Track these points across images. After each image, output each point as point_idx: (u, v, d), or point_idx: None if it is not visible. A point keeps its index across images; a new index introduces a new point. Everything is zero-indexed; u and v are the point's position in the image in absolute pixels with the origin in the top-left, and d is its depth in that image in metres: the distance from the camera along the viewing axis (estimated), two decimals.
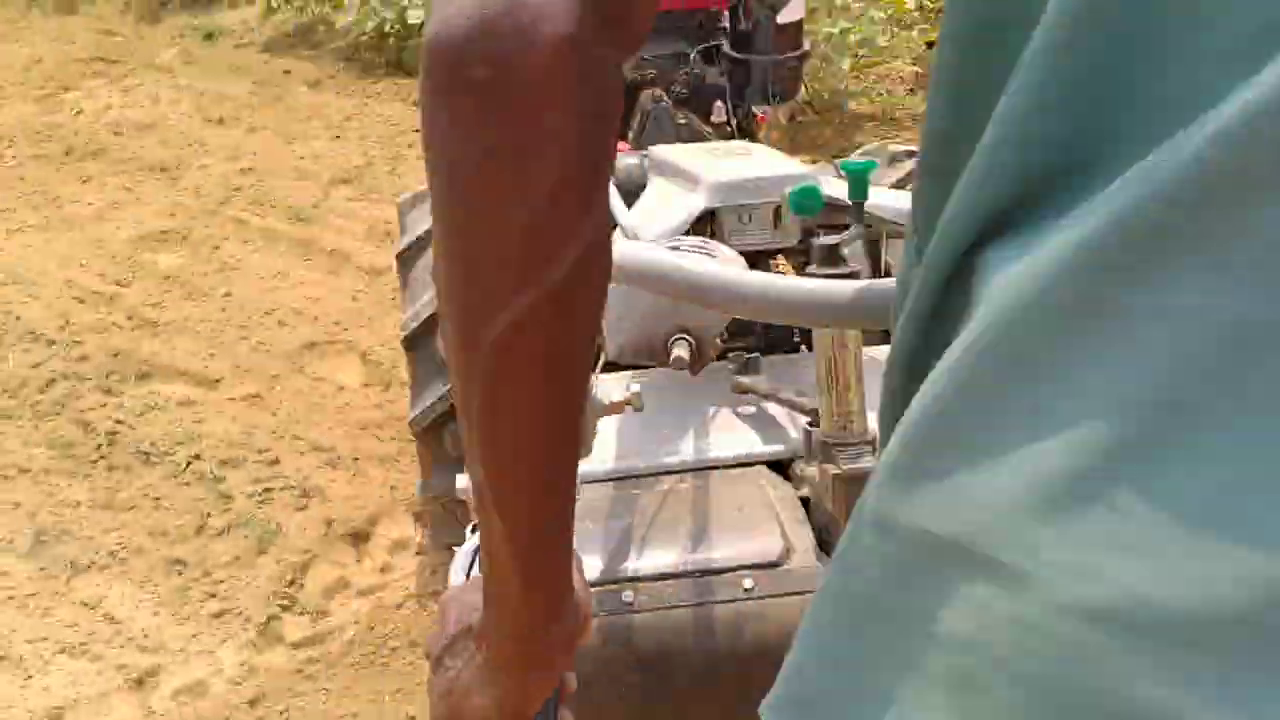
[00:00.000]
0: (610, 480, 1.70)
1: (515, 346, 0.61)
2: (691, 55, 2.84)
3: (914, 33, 6.19)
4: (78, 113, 6.18)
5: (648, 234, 1.87)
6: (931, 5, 6.24)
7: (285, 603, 2.75)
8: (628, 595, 1.47)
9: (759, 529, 1.55)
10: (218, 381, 3.66)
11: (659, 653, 1.46)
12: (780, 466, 1.73)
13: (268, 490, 3.11)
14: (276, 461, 3.24)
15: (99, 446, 3.30)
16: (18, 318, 3.95)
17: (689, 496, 1.64)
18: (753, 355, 1.89)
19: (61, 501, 3.11)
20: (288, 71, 6.78)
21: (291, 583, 2.81)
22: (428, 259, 2.59)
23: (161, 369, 3.73)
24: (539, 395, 0.64)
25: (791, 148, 5.27)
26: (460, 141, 0.56)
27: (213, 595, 2.82)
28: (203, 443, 3.30)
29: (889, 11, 6.00)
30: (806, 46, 2.81)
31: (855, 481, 1.43)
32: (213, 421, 3.42)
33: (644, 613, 1.46)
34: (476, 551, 1.04)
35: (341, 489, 3.13)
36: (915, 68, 6.29)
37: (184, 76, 6.75)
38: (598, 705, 1.46)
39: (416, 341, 2.54)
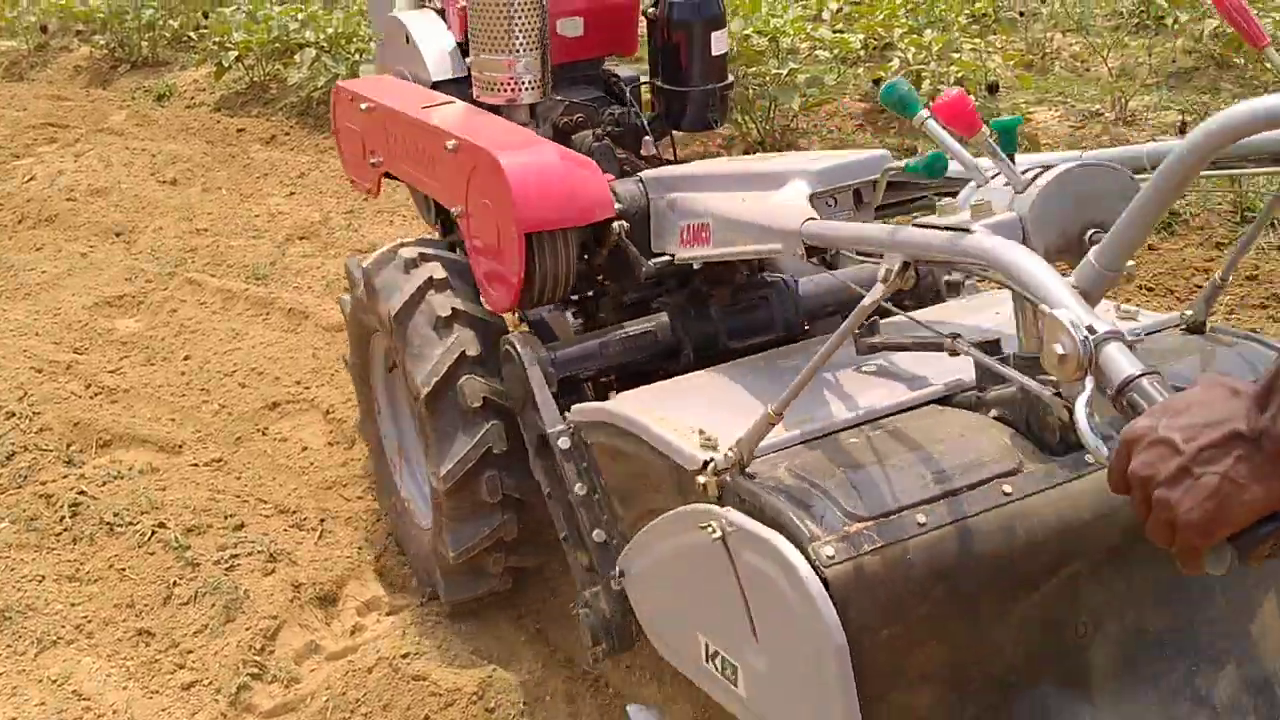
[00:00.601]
0: (825, 435, 1.89)
1: None
2: (629, 92, 3.03)
3: (860, 70, 6.28)
4: (30, 179, 6.16)
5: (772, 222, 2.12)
6: (876, 44, 6.34)
7: (255, 671, 2.73)
8: (920, 517, 1.65)
9: (988, 445, 1.77)
10: (180, 447, 3.65)
11: (958, 560, 1.66)
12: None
13: (234, 556, 3.08)
14: (242, 526, 3.23)
15: (62, 519, 3.28)
16: None
17: (907, 434, 1.84)
18: (871, 319, 2.09)
19: (26, 576, 3.08)
20: (241, 130, 6.80)
21: (261, 650, 2.78)
22: (429, 312, 2.62)
23: (122, 437, 3.70)
24: None
25: None
26: None
27: (182, 666, 2.79)
28: (167, 510, 3.28)
29: (835, 51, 6.09)
30: (731, 79, 3.03)
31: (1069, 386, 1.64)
32: (176, 488, 3.40)
33: (937, 529, 1.65)
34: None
35: (309, 551, 3.12)
36: (864, 104, 6.38)
37: (136, 139, 6.75)
38: (908, 623, 1.65)
39: (438, 398, 2.55)
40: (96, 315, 4.58)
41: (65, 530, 3.24)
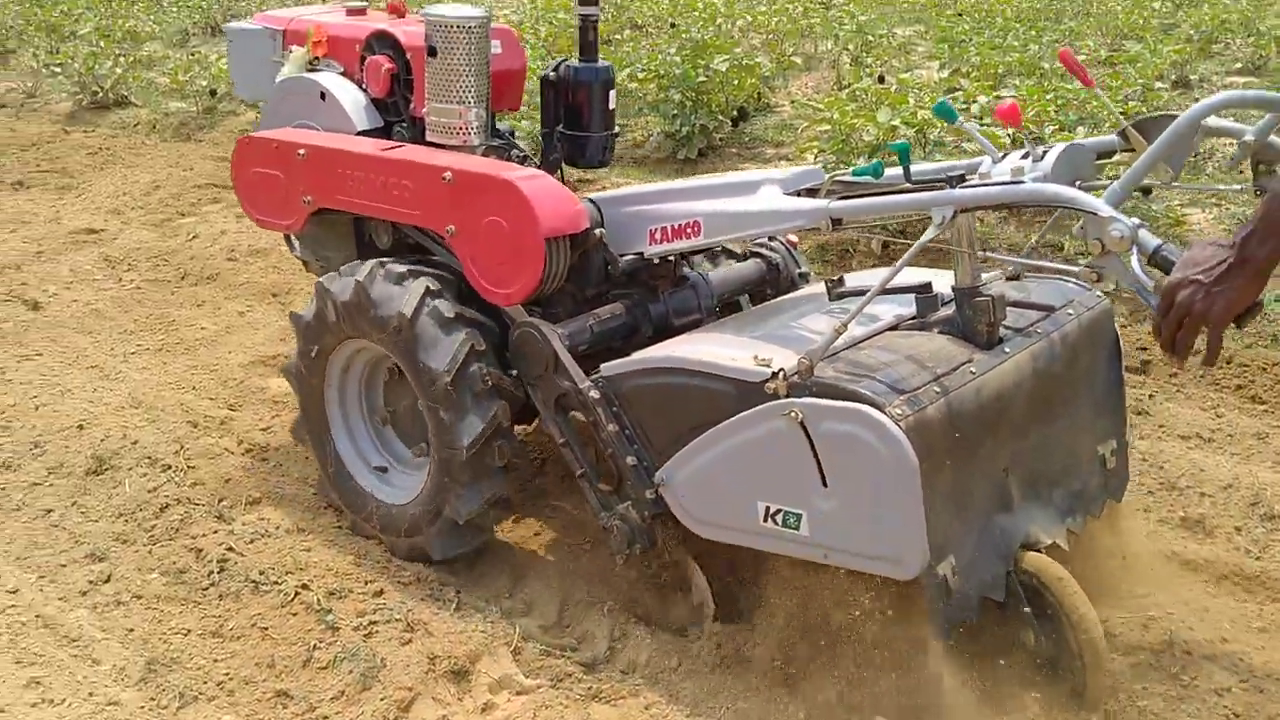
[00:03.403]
0: (856, 344, 2.74)
1: None
2: (556, 134, 3.70)
3: None
4: (193, 237, 6.44)
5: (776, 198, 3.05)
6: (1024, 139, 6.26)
7: None
8: (935, 389, 2.54)
9: (950, 347, 2.70)
10: (325, 508, 3.74)
11: (956, 414, 2.55)
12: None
13: (373, 622, 3.14)
14: (381, 593, 3.28)
15: (210, 574, 3.37)
16: (135, 442, 4.08)
17: (896, 346, 2.71)
18: (838, 277, 3.06)
19: (173, 629, 3.17)
20: None
21: None
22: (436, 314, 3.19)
23: (271, 495, 3.81)
24: None
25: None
26: None
27: None
28: (310, 572, 3.36)
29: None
30: (617, 129, 3.80)
31: (998, 300, 2.72)
32: (320, 550, 3.48)
33: (945, 396, 2.55)
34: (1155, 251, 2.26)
35: (445, 623, 3.15)
36: None
37: None
38: (936, 456, 2.47)
39: (457, 382, 3.14)
40: (251, 373, 4.75)
41: (213, 585, 3.33)
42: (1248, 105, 2.82)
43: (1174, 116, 2.74)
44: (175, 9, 13.99)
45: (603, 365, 3.01)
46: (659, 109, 7.67)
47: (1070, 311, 2.99)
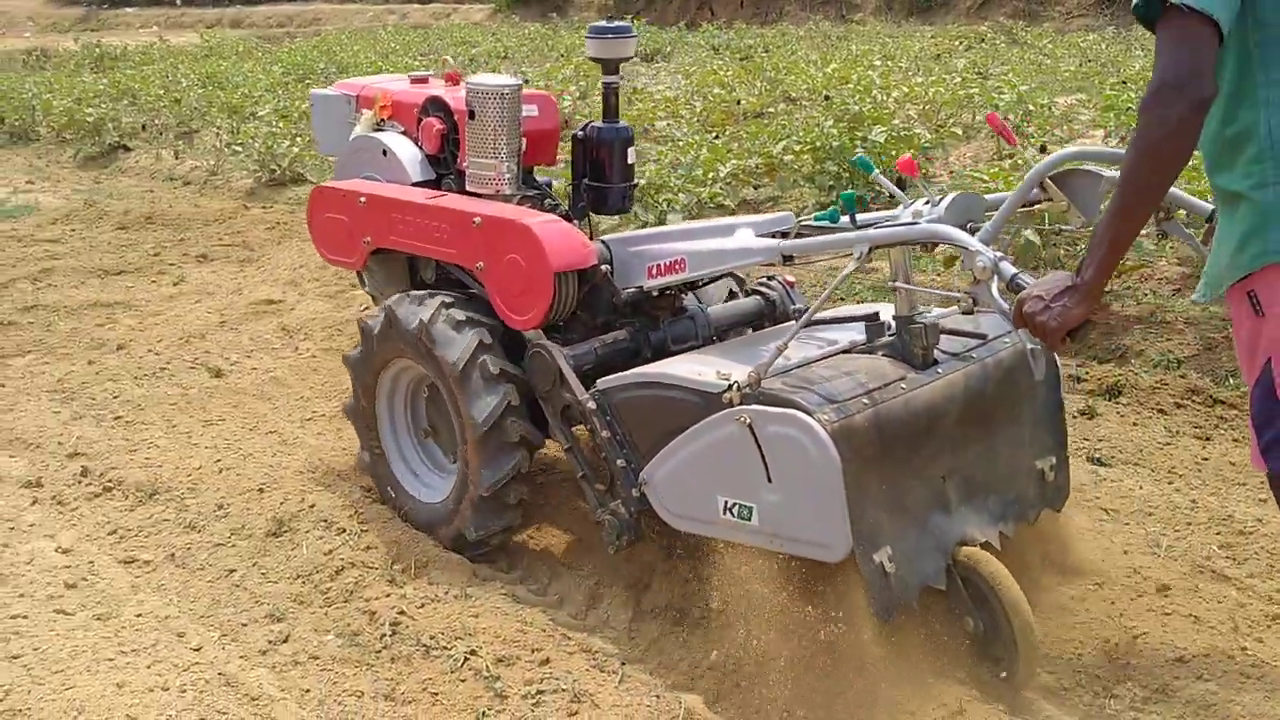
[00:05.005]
0: (808, 364, 3.17)
1: (1158, 168, 2.22)
2: (583, 185, 4.16)
3: (1169, 245, 6.03)
4: (365, 308, 6.65)
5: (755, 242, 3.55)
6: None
7: None
8: (865, 400, 2.93)
9: (888, 367, 3.10)
10: (493, 575, 3.79)
11: (884, 422, 2.93)
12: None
13: (540, 692, 3.15)
14: (548, 661, 3.30)
15: (383, 637, 3.44)
16: (312, 505, 4.22)
17: (840, 365, 3.13)
18: (806, 308, 3.67)
19: (347, 691, 3.24)
20: None
21: None
22: (450, 319, 3.74)
23: (438, 559, 3.88)
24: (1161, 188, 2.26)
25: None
26: (1176, 125, 2.14)
27: None
28: (479, 638, 3.40)
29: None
30: (637, 180, 4.36)
31: (930, 328, 3.14)
32: (488, 616, 3.52)
33: (874, 406, 2.94)
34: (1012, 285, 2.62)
35: (610, 695, 3.15)
36: (1181, 268, 6.11)
37: None
38: (863, 459, 2.85)
39: (468, 370, 3.64)
40: None
41: (385, 648, 3.41)
42: (1087, 159, 3.13)
43: (1086, 170, 3.08)
44: None
45: (598, 380, 3.47)
46: (815, 180, 7.69)
47: (1006, 340, 3.35)
